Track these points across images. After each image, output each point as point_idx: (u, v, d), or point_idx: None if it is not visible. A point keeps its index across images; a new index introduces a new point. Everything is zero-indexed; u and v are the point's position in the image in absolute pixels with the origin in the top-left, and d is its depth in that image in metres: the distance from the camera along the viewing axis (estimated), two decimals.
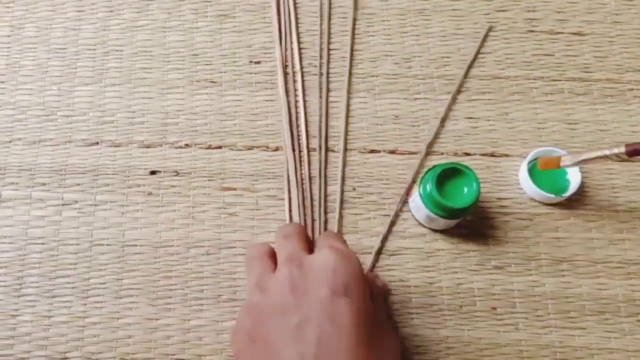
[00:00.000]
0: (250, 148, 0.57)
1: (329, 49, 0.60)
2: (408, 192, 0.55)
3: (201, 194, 0.55)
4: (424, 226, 0.54)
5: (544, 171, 0.54)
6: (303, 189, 0.55)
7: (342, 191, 0.55)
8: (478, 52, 0.60)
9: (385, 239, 0.53)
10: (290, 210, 0.54)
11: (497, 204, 0.55)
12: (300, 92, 0.58)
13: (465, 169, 0.50)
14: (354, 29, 0.61)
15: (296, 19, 0.61)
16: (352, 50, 0.60)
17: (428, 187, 0.50)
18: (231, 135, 0.57)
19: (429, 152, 0.56)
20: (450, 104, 0.58)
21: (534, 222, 0.54)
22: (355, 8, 0.61)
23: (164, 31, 0.61)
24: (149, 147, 0.57)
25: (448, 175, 0.50)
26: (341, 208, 0.54)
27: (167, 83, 0.59)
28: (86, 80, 0.59)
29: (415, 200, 0.52)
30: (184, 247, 0.53)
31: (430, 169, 0.51)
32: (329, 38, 0.60)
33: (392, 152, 0.57)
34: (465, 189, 0.50)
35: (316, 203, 0.55)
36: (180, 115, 0.58)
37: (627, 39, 0.60)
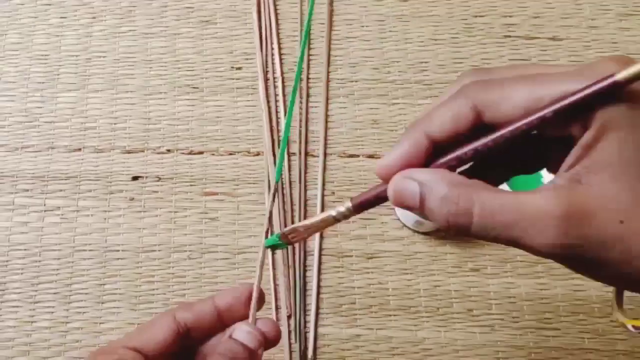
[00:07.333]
0: (232, 153, 0.57)
1: (309, 55, 0.61)
2: None
3: (183, 199, 0.56)
4: (414, 230, 0.54)
5: (520, 177, 0.55)
6: (283, 194, 0.56)
7: (323, 195, 0.56)
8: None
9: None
10: (270, 215, 0.55)
11: None
12: (280, 98, 0.59)
13: None
14: (330, 34, 0.61)
15: (277, 24, 0.62)
16: (329, 55, 0.61)
17: None
18: (213, 141, 0.58)
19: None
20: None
21: None
22: (331, 15, 0.62)
23: (146, 37, 0.61)
24: (131, 152, 0.57)
25: None
26: (321, 212, 0.55)
27: (150, 89, 0.59)
28: (69, 87, 0.59)
29: None
30: (166, 251, 0.54)
31: None
32: (309, 44, 0.61)
33: (371, 156, 0.57)
34: None
35: (296, 207, 0.55)
36: (162, 121, 0.58)
37: (602, 44, 0.61)
